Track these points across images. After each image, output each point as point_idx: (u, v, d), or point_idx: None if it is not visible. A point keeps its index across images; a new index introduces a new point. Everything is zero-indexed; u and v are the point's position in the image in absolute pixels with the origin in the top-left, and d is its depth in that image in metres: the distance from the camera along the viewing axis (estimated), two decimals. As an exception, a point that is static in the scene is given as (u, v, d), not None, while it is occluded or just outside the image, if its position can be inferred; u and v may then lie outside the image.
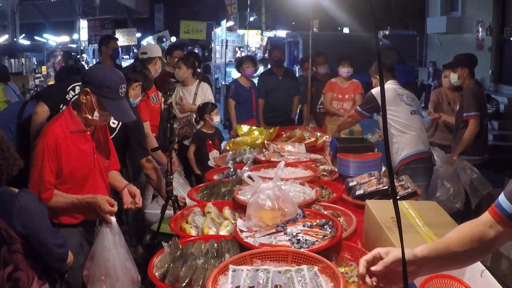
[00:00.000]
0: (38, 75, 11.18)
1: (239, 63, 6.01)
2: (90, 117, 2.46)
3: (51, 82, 8.82)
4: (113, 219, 2.45)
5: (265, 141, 4.16)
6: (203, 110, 4.67)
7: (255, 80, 6.54)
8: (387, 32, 18.98)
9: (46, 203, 2.36)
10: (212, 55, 16.62)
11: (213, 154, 4.59)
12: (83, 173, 2.50)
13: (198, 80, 5.07)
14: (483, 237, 1.35)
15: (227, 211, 2.59)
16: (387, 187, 2.82)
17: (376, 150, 3.81)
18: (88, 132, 2.53)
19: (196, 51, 18.00)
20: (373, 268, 1.33)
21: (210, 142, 4.65)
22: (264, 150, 3.96)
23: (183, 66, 4.92)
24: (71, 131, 2.46)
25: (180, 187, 3.99)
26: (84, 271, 2.44)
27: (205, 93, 5.05)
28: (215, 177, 3.50)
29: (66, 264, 2.07)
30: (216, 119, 4.67)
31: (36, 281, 1.96)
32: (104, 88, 2.41)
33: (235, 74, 9.53)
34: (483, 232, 1.35)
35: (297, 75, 7.48)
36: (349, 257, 2.12)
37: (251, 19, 19.59)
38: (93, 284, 2.40)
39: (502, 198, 1.35)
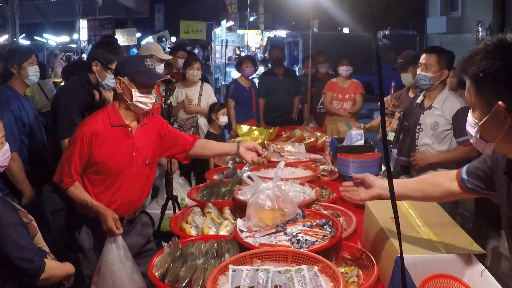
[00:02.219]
0: (38, 74, 11.13)
1: (239, 63, 6.02)
2: (132, 102, 2.45)
3: (55, 80, 8.81)
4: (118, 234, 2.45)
5: (265, 141, 4.16)
6: (211, 109, 4.67)
7: (256, 80, 6.53)
8: (387, 32, 18.97)
9: (65, 187, 2.44)
10: (212, 55, 16.62)
11: None
12: (117, 168, 2.48)
13: (200, 81, 5.06)
14: (441, 183, 1.79)
15: (227, 211, 2.59)
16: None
17: (376, 150, 3.81)
18: (130, 128, 2.50)
19: (196, 51, 18.02)
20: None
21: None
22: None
23: (196, 66, 4.89)
24: (112, 124, 2.46)
25: (180, 187, 4.00)
26: (92, 286, 2.45)
27: (209, 94, 5.04)
28: (215, 177, 3.50)
29: (37, 279, 1.98)
30: (223, 119, 4.65)
31: None
32: (130, 66, 2.47)
33: (235, 74, 9.54)
34: (443, 181, 1.79)
35: (297, 75, 7.48)
36: (349, 257, 2.12)
37: (251, 19, 19.56)
38: None
39: (464, 171, 1.71)
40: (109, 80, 3.05)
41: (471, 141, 1.46)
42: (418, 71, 3.31)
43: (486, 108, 1.29)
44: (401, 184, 1.90)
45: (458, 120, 3.18)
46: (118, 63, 2.66)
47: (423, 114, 3.37)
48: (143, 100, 2.46)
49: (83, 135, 2.40)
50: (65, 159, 2.46)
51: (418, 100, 3.44)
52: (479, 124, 1.34)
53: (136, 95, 2.44)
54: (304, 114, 6.15)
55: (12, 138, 3.22)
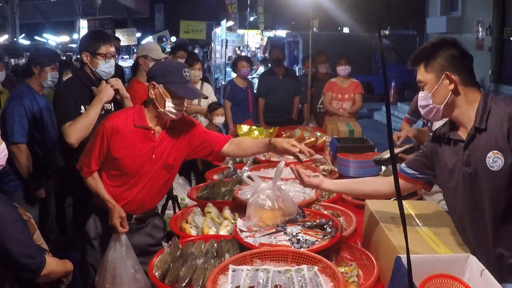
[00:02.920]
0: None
1: (234, 64, 6.00)
2: (163, 110, 2.42)
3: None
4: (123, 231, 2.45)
5: (265, 141, 4.16)
6: (209, 109, 4.68)
7: (255, 80, 6.52)
8: (387, 32, 18.93)
9: (84, 176, 2.49)
10: (212, 55, 16.64)
11: None
12: (133, 168, 2.48)
13: (200, 81, 5.06)
14: (385, 179, 2.25)
15: (227, 211, 2.59)
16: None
17: (376, 150, 3.81)
18: (153, 131, 2.48)
19: (197, 51, 18.03)
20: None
21: None
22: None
23: (197, 66, 4.89)
24: (134, 124, 2.45)
25: (180, 187, 4.00)
26: (97, 277, 2.45)
27: (209, 94, 5.04)
28: (215, 177, 3.50)
29: (38, 275, 1.97)
30: (218, 119, 4.66)
31: None
32: (168, 75, 2.42)
33: (234, 74, 9.53)
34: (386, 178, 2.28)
35: (297, 75, 7.47)
36: (349, 257, 2.12)
37: (251, 19, 19.60)
38: None
39: (403, 164, 2.09)
40: (102, 66, 3.02)
41: (423, 112, 1.94)
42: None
43: (435, 80, 1.85)
44: (350, 182, 2.35)
45: None
46: (154, 67, 2.57)
47: None
48: (175, 111, 2.44)
49: (105, 129, 2.42)
50: (87, 149, 2.50)
51: None
52: (432, 92, 1.86)
53: (169, 105, 2.41)
54: (304, 113, 6.15)
55: (22, 130, 3.37)
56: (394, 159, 1.24)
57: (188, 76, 2.46)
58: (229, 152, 2.71)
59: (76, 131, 2.85)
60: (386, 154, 3.08)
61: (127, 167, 2.46)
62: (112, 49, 3.10)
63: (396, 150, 3.12)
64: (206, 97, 2.81)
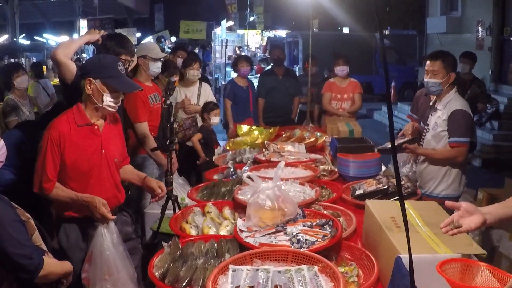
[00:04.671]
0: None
1: (234, 63, 6.02)
2: (101, 105, 2.45)
3: (55, 82, 8.82)
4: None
5: (265, 141, 4.16)
6: (204, 108, 4.70)
7: (255, 80, 6.53)
8: (387, 32, 18.90)
9: (47, 193, 2.45)
10: (212, 55, 16.63)
11: (218, 150, 4.59)
12: (87, 167, 2.49)
13: (199, 81, 5.07)
14: None
15: (227, 211, 2.59)
16: (386, 186, 2.83)
17: (375, 150, 3.80)
18: (96, 127, 2.51)
19: (197, 51, 18.02)
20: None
21: (213, 137, 4.72)
22: (264, 150, 3.96)
23: (196, 66, 4.90)
24: (78, 124, 2.46)
25: (180, 187, 3.99)
26: (83, 274, 2.44)
27: (208, 93, 5.05)
28: (215, 177, 3.50)
29: (36, 276, 1.97)
30: (214, 119, 4.67)
31: None
32: (103, 70, 2.45)
33: (235, 74, 9.54)
34: None
35: (297, 75, 7.47)
36: (349, 257, 2.12)
37: (251, 19, 19.56)
38: (95, 285, 2.40)
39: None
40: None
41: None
42: (426, 79, 3.35)
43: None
44: (503, 205, 1.81)
45: (451, 121, 3.25)
46: (88, 62, 2.66)
47: (431, 115, 3.44)
48: (113, 104, 2.48)
49: (51, 138, 2.40)
50: (38, 167, 2.45)
51: (431, 102, 3.48)
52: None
53: (107, 99, 2.45)
54: (313, 114, 6.15)
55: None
56: (395, 156, 1.24)
57: (122, 70, 2.51)
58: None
59: (57, 48, 2.90)
60: (389, 145, 3.24)
61: (82, 168, 2.48)
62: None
63: (400, 141, 3.31)
64: (142, 89, 2.97)
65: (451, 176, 3.36)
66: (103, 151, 2.53)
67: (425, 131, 3.48)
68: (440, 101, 3.37)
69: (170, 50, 8.32)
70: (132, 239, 2.79)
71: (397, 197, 2.15)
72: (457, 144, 3.23)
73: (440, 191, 3.38)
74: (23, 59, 11.69)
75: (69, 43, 3.01)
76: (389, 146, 3.18)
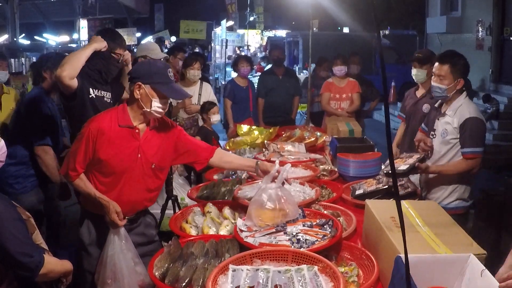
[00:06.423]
0: (38, 74, 11.15)
1: (235, 63, 6.02)
2: (149, 110, 2.44)
3: None
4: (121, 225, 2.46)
5: (265, 141, 4.16)
6: (203, 108, 4.70)
7: (255, 80, 6.53)
8: (387, 32, 18.92)
9: (70, 180, 2.48)
10: (212, 55, 16.63)
11: None
12: (120, 168, 2.48)
13: (200, 80, 5.07)
14: None
15: (227, 211, 2.59)
16: (386, 186, 2.83)
17: (376, 150, 3.81)
18: (137, 130, 2.49)
19: (197, 51, 18.03)
20: None
21: (213, 138, 4.70)
22: (264, 150, 3.96)
23: (197, 66, 4.90)
24: (119, 124, 2.46)
25: (180, 187, 3.99)
26: (96, 274, 2.45)
27: (209, 93, 5.05)
28: (215, 177, 3.50)
29: (36, 274, 1.97)
30: (214, 118, 4.67)
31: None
32: (154, 76, 2.44)
33: (235, 74, 9.54)
34: None
35: (297, 75, 7.47)
36: (349, 257, 2.12)
37: (251, 18, 19.58)
38: (100, 287, 2.41)
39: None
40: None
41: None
42: (432, 82, 3.14)
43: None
44: None
45: (464, 130, 3.02)
46: (139, 67, 2.58)
47: (438, 120, 3.22)
48: (160, 110, 2.46)
49: (89, 132, 2.41)
50: (72, 153, 2.48)
51: (437, 104, 3.29)
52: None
53: (156, 104, 2.43)
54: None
55: (45, 133, 3.40)
56: (394, 171, 1.23)
57: (172, 76, 2.50)
58: (213, 162, 2.74)
59: (64, 69, 2.82)
60: (401, 166, 2.95)
61: (114, 167, 2.46)
62: None
63: (411, 161, 3.00)
64: (191, 96, 3.03)
65: (462, 187, 3.14)
66: (139, 155, 2.50)
67: (431, 136, 3.26)
68: (449, 106, 3.14)
69: (166, 50, 8.29)
70: (155, 241, 2.77)
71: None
72: (473, 155, 3.01)
73: (450, 202, 3.14)
74: (23, 59, 11.66)
75: (76, 59, 2.89)
76: (400, 168, 2.89)
